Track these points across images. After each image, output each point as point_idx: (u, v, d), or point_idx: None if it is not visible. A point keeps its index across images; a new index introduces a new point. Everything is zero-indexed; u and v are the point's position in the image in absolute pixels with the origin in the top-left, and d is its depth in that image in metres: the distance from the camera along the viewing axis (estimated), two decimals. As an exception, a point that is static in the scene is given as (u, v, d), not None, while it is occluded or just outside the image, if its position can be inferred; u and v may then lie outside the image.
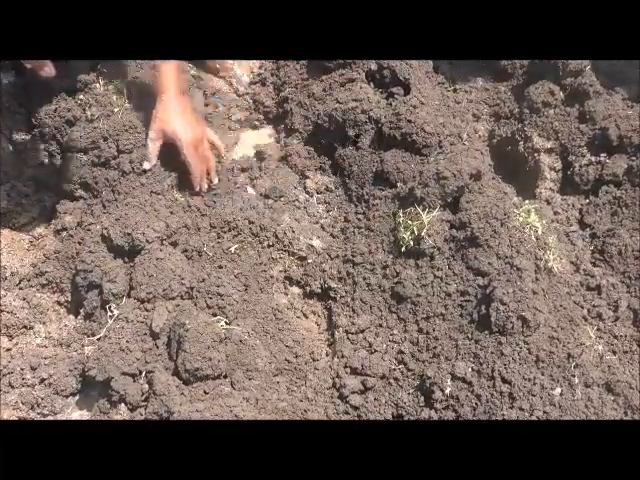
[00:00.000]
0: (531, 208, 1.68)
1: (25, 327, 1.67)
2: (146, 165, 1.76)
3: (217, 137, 1.89)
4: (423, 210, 1.64)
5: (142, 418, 1.45)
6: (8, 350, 1.62)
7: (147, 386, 1.47)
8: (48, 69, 1.61)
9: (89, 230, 1.72)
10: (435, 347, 1.55)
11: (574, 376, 1.41)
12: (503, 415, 1.38)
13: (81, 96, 1.80)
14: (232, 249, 1.72)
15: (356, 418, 1.53)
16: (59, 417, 1.55)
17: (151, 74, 1.82)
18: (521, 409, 1.38)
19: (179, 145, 1.72)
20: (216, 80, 2.19)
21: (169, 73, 1.71)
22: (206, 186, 1.80)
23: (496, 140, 2.06)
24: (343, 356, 1.61)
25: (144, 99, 1.83)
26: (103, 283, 1.60)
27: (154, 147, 1.75)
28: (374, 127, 1.84)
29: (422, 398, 1.50)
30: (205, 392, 1.46)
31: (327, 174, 1.94)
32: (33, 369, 1.57)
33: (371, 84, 1.96)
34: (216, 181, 1.83)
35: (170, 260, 1.61)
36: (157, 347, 1.52)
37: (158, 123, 1.72)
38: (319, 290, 1.76)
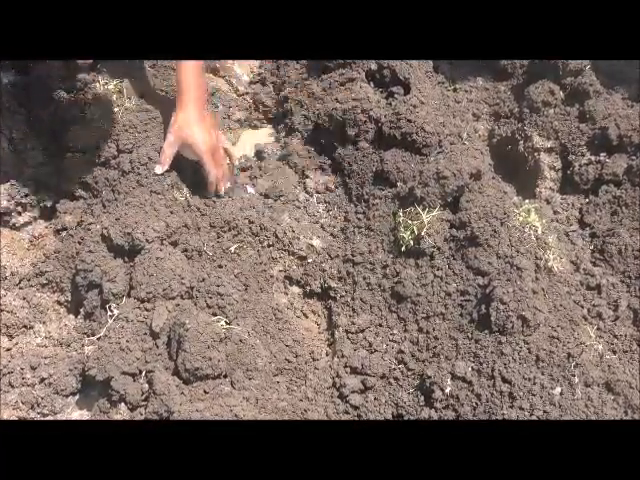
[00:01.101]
0: (531, 207, 1.68)
1: (25, 327, 1.67)
2: (158, 169, 1.75)
3: (230, 144, 1.90)
4: (423, 210, 1.64)
5: (142, 418, 1.45)
6: (8, 350, 1.62)
7: (147, 386, 1.48)
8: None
9: (89, 230, 1.72)
10: (435, 347, 1.55)
11: (574, 375, 1.42)
12: (503, 414, 1.38)
13: (81, 96, 1.80)
14: (232, 249, 1.72)
15: (356, 418, 1.53)
16: (59, 417, 1.55)
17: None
18: (521, 408, 1.38)
19: (198, 152, 1.72)
20: (216, 80, 2.19)
21: (189, 73, 1.69)
22: (221, 191, 1.81)
23: (496, 140, 2.06)
24: (343, 356, 1.61)
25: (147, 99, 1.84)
26: (103, 283, 1.60)
27: (170, 152, 1.74)
28: (374, 126, 1.84)
29: (422, 397, 1.50)
30: (205, 392, 1.46)
31: (327, 173, 1.94)
32: (33, 369, 1.57)
33: (371, 84, 1.96)
34: (228, 186, 1.83)
35: (170, 260, 1.60)
36: (157, 347, 1.52)
37: (177, 130, 1.71)
38: (319, 290, 1.76)
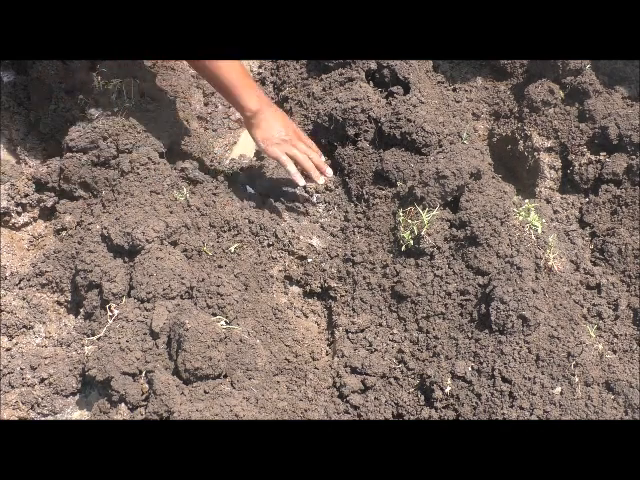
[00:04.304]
0: (531, 207, 1.68)
1: (25, 327, 1.67)
2: (301, 182, 1.79)
3: (306, 135, 1.87)
4: (423, 209, 1.64)
5: (142, 418, 1.45)
6: (8, 350, 1.62)
7: (147, 385, 1.48)
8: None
9: (89, 230, 1.72)
10: (435, 346, 1.55)
11: (574, 375, 1.42)
12: (503, 414, 1.38)
13: (81, 96, 1.80)
14: (232, 248, 1.72)
15: (356, 417, 1.53)
16: (59, 417, 1.55)
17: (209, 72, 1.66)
18: (521, 408, 1.38)
19: (279, 161, 1.77)
20: (216, 79, 2.18)
21: (235, 71, 1.65)
22: (322, 180, 1.81)
23: (496, 139, 2.06)
24: (343, 355, 1.61)
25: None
26: (103, 283, 1.60)
27: (280, 158, 1.77)
28: (374, 126, 1.84)
29: (422, 397, 1.51)
30: (205, 391, 1.46)
31: (327, 173, 1.94)
32: (33, 369, 1.57)
33: (371, 83, 1.96)
34: (330, 174, 1.83)
35: (170, 260, 1.60)
36: (157, 347, 1.52)
37: (263, 148, 1.76)
38: (319, 289, 1.76)
